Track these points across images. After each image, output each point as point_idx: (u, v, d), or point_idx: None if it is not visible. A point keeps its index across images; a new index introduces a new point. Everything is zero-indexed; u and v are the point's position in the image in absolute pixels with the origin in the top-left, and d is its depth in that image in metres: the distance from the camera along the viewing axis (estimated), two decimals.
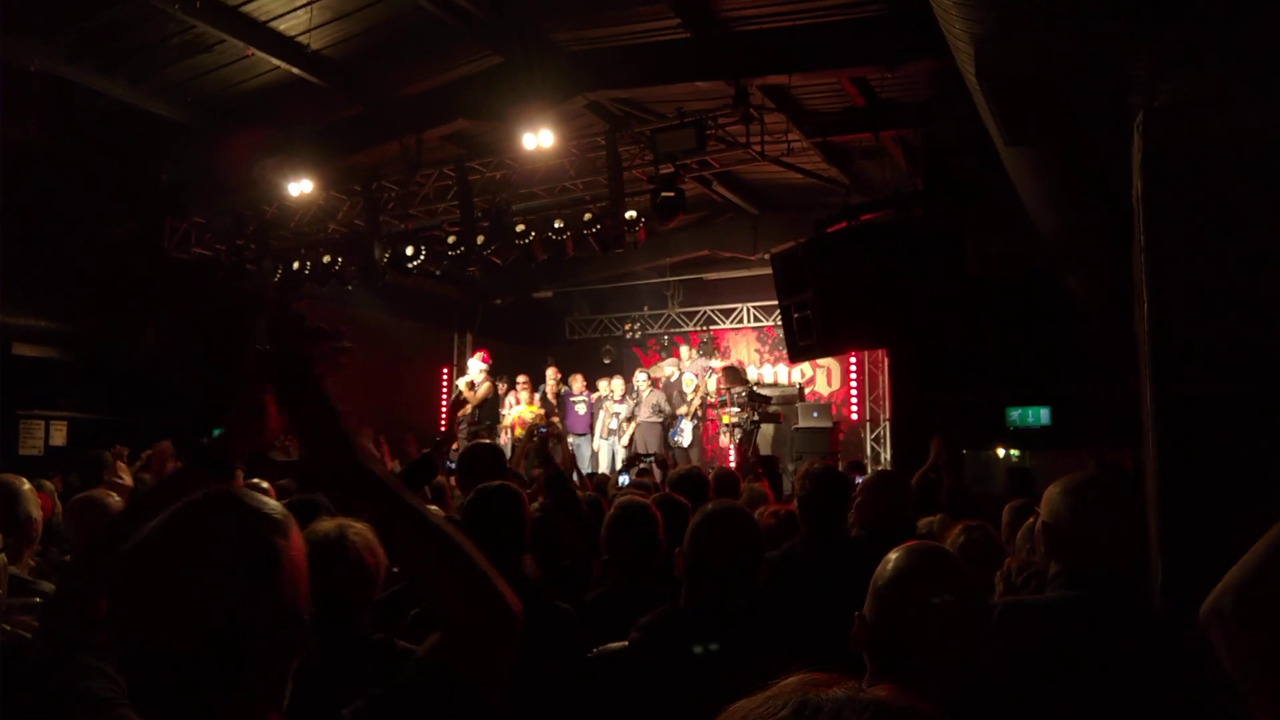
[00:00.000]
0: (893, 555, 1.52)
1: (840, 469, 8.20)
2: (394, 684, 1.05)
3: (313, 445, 1.14)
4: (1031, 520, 2.43)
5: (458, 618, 1.08)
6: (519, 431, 10.15)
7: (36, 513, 2.39)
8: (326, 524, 1.89)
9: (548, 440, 6.38)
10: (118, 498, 2.80)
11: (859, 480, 6.62)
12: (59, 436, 9.86)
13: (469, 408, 10.61)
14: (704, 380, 11.19)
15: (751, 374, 11.76)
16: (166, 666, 0.88)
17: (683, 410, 10.82)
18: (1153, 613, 1.82)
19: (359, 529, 1.88)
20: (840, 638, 1.50)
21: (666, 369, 11.90)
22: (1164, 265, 1.84)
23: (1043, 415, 8.35)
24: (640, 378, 11.07)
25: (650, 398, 10.75)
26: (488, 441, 4.43)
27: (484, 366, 10.94)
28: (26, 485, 2.40)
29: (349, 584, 1.85)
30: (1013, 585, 2.48)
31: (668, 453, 9.91)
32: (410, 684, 1.04)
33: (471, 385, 10.78)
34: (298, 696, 1.02)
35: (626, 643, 1.83)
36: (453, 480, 4.23)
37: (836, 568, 2.80)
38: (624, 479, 6.06)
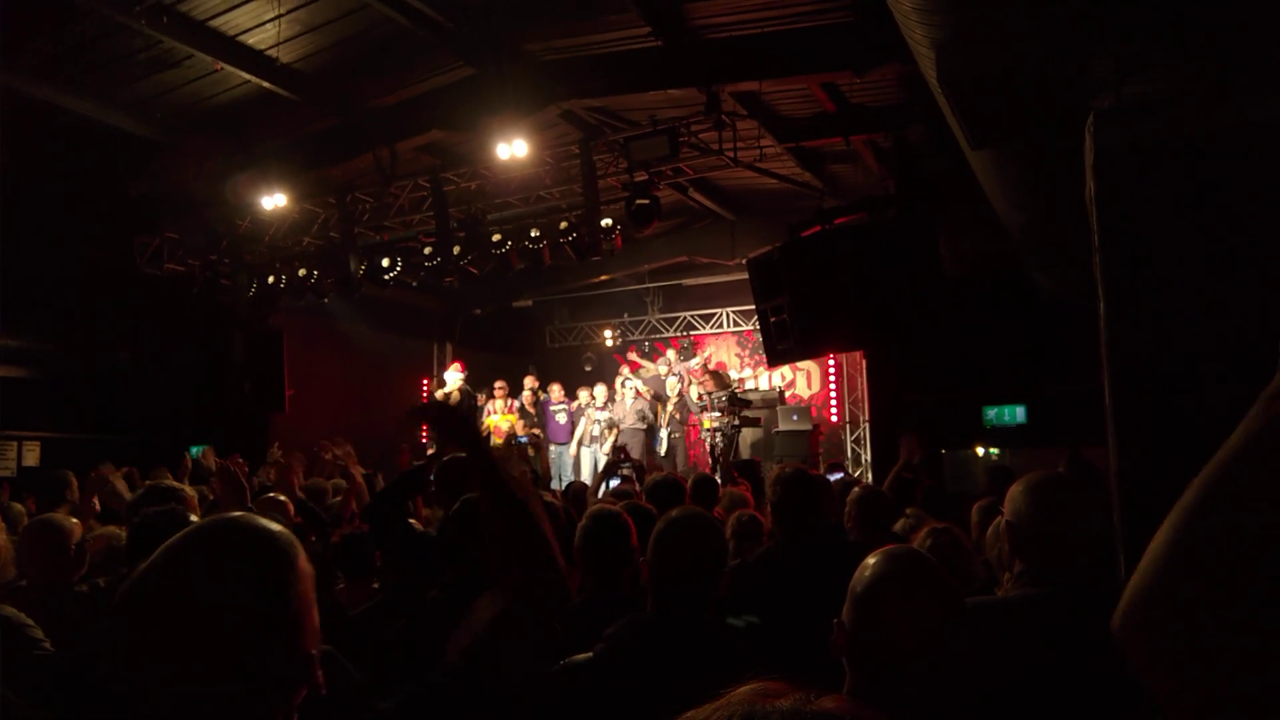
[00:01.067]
0: (870, 560, 1.52)
1: (821, 471, 8.23)
2: (427, 683, 1.05)
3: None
4: (999, 519, 2.45)
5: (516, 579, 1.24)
6: (495, 440, 10.11)
7: (1, 537, 2.35)
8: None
9: (525, 450, 6.34)
10: (76, 521, 2.76)
11: (836, 477, 6.63)
12: (32, 457, 9.73)
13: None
14: (686, 386, 11.21)
15: (734, 377, 11.80)
16: (166, 710, 0.83)
17: (662, 419, 10.84)
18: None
19: None
20: (820, 640, 1.50)
21: (659, 367, 11.86)
22: (1118, 265, 1.88)
23: (1019, 413, 8.45)
24: (626, 385, 11.05)
25: (635, 405, 10.75)
26: (464, 455, 4.42)
27: (460, 377, 10.90)
28: None
29: None
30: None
31: (651, 459, 9.91)
32: (443, 682, 1.05)
33: (447, 397, 10.75)
34: None
35: (592, 654, 1.83)
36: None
37: (814, 569, 2.81)
38: (615, 482, 6.00)
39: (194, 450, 8.44)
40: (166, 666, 0.84)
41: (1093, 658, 1.73)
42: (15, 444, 9.73)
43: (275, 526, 0.94)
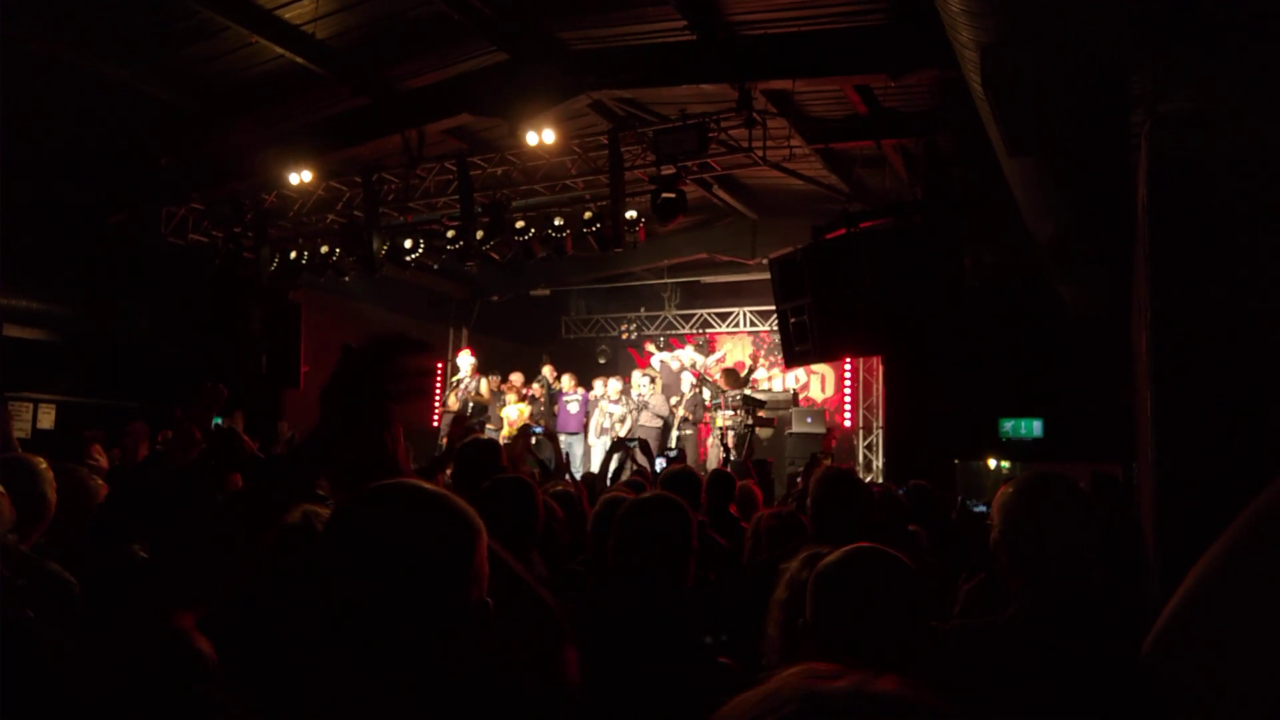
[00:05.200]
0: (831, 557, 1.50)
1: None
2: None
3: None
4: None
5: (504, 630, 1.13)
6: (508, 431, 10.14)
7: (51, 493, 2.36)
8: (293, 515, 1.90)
9: (538, 439, 6.26)
10: (99, 480, 2.79)
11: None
12: (47, 420, 9.80)
13: (469, 405, 10.65)
14: (698, 384, 11.17)
15: (760, 375, 11.76)
16: (355, 648, 0.93)
17: (675, 417, 10.78)
18: (1128, 636, 1.70)
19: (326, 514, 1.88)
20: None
21: (686, 357, 11.71)
22: (1168, 274, 1.85)
23: (1035, 427, 8.38)
24: (641, 379, 11.01)
25: (651, 401, 10.68)
26: (485, 438, 4.42)
27: (473, 362, 10.97)
28: (44, 464, 2.38)
29: None
30: None
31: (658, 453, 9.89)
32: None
33: (461, 383, 10.83)
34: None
35: None
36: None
37: None
38: (642, 459, 5.85)
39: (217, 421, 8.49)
40: (381, 598, 0.94)
41: (1106, 691, 1.55)
42: (31, 406, 9.79)
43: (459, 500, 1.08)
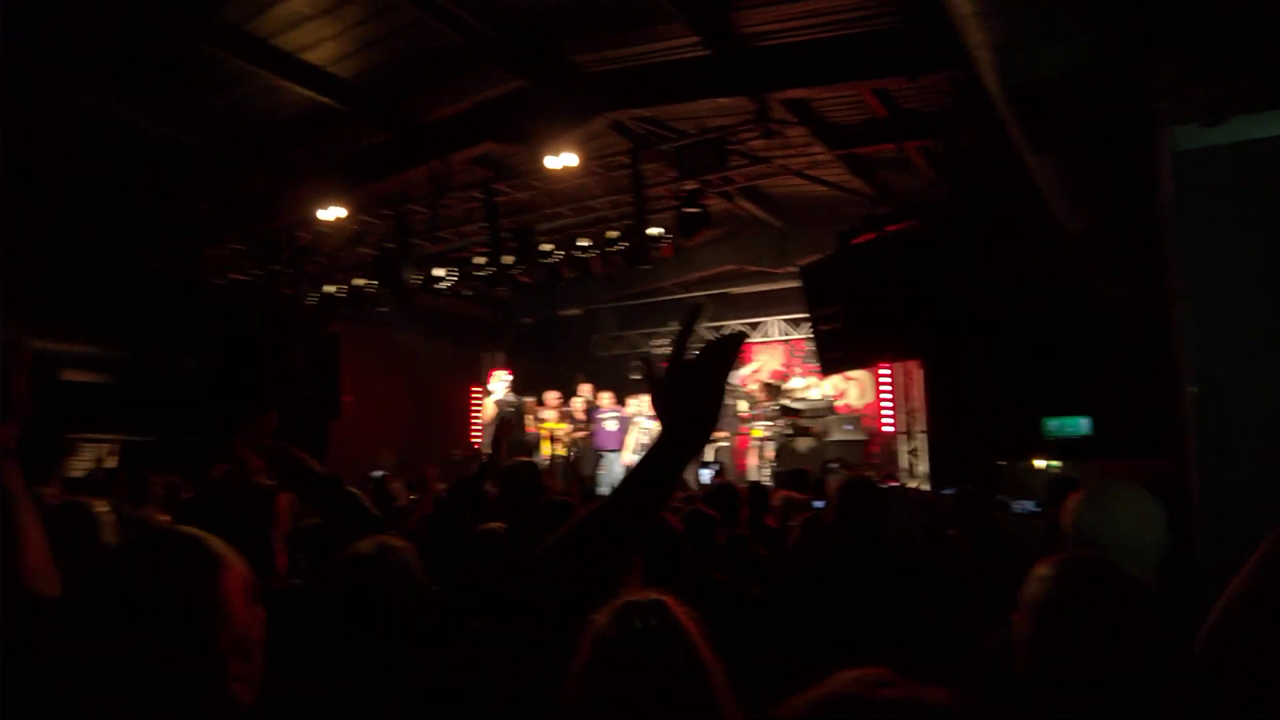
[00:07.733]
0: (1043, 570, 1.39)
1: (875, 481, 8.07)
2: None
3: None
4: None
5: None
6: (560, 450, 10.20)
7: (108, 536, 2.42)
8: (365, 544, 1.92)
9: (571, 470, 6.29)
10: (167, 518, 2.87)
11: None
12: (109, 460, 10.11)
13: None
14: (734, 397, 11.10)
15: (797, 384, 11.68)
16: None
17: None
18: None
19: (400, 546, 1.91)
20: (870, 644, 1.44)
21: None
22: (1196, 266, 1.81)
23: (1082, 425, 8.13)
24: None
25: None
26: (526, 460, 4.47)
27: (505, 385, 11.08)
28: (105, 509, 2.42)
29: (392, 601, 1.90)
30: None
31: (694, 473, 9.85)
32: None
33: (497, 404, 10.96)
34: None
35: None
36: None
37: (869, 576, 2.80)
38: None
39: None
40: (115, 643, 0.97)
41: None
42: (94, 446, 10.10)
43: (210, 538, 1.08)
